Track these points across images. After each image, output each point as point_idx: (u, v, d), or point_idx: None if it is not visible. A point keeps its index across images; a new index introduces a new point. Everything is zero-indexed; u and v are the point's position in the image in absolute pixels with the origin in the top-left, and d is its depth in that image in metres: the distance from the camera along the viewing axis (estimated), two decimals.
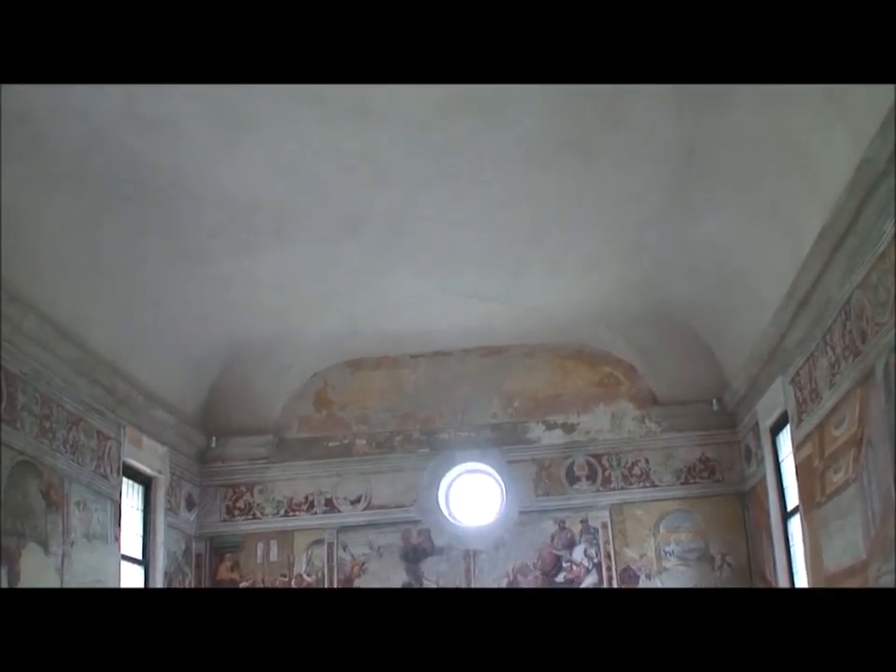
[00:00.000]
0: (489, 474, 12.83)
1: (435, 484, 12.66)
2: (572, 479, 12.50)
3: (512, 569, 12.21)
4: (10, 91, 6.92)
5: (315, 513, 12.62)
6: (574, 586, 12.08)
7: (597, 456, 12.55)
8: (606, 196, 9.27)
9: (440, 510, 12.61)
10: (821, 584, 8.85)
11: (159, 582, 11.25)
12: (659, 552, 12.08)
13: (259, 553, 12.52)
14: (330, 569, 12.36)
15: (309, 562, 12.43)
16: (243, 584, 12.39)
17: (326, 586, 12.27)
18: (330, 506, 12.63)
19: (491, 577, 12.18)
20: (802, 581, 9.99)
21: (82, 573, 9.25)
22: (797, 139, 7.65)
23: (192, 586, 12.24)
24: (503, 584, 12.14)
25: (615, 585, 12.04)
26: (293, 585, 12.33)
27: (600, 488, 12.42)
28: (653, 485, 12.33)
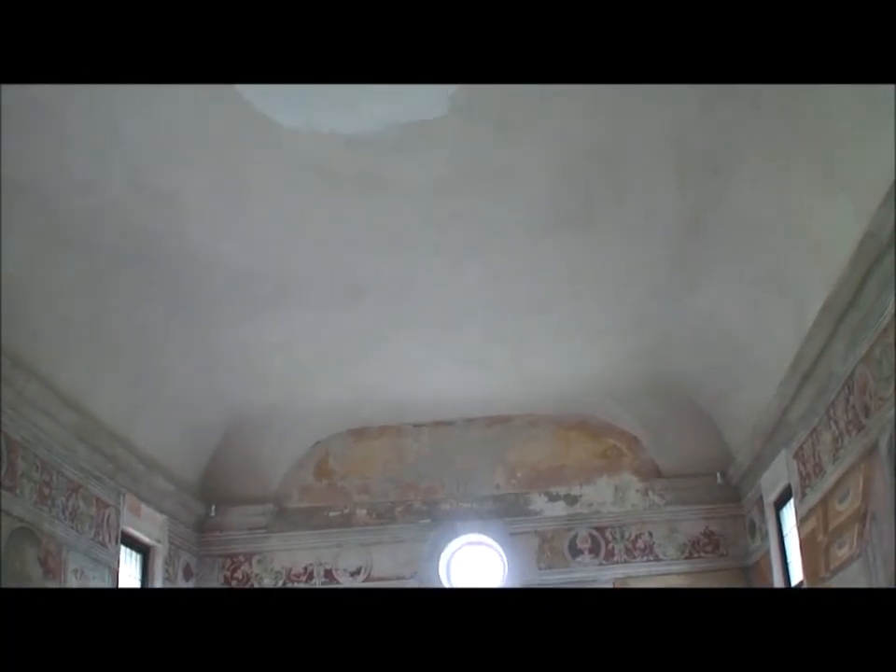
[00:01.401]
0: (491, 546, 12.70)
1: (436, 556, 12.52)
2: (575, 552, 12.38)
3: None
4: (16, 159, 7.00)
5: (314, 585, 12.45)
6: None
7: (600, 529, 12.44)
8: (609, 268, 9.32)
9: (440, 582, 12.46)
10: None
11: None
12: None
13: None
14: None
15: None
16: None
17: None
18: (330, 577, 12.47)
19: None
20: None
21: None
22: (800, 212, 7.70)
23: None
24: None
25: None
26: None
27: (603, 562, 12.28)
28: (657, 559, 12.20)
